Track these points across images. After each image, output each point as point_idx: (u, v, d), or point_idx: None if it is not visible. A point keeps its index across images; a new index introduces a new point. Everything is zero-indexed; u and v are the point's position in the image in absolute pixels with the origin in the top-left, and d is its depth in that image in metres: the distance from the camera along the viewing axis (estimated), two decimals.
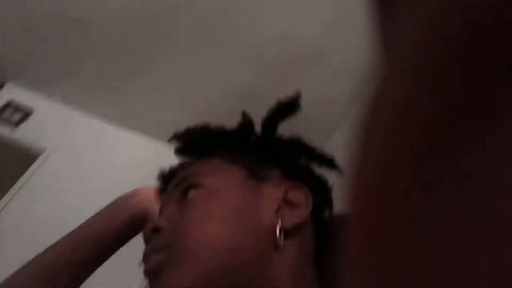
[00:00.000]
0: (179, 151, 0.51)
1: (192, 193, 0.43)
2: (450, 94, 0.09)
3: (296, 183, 0.44)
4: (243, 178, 0.44)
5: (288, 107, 0.48)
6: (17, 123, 2.62)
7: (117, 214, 0.55)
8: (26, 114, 2.67)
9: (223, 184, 0.43)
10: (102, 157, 2.77)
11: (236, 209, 0.41)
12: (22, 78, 2.67)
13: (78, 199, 2.57)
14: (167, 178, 0.51)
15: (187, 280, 0.36)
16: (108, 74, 2.50)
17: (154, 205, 0.55)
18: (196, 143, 0.51)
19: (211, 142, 0.50)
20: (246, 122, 0.50)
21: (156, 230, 0.41)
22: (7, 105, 2.64)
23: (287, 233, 0.40)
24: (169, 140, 0.51)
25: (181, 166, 0.49)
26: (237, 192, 0.42)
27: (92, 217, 0.56)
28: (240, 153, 0.48)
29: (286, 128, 0.50)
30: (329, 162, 0.49)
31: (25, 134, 2.61)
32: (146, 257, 0.40)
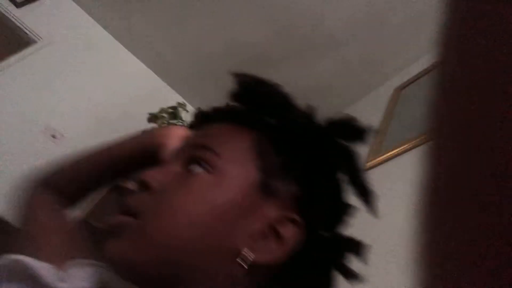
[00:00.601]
0: (234, 94, 0.44)
1: (197, 169, 0.39)
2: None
3: (296, 218, 0.38)
4: (253, 183, 0.39)
5: (356, 132, 0.41)
6: (21, 3, 2.50)
7: (136, 142, 0.54)
8: None
9: (230, 176, 0.38)
10: (95, 66, 2.71)
11: (224, 214, 0.37)
12: None
13: (56, 98, 2.52)
14: (198, 120, 0.47)
15: (136, 258, 0.35)
16: None
17: (172, 143, 0.50)
18: (254, 96, 0.43)
19: (269, 107, 0.42)
20: (311, 113, 0.43)
21: (144, 186, 0.38)
22: None
23: (251, 267, 0.36)
24: (235, 75, 0.44)
25: (214, 119, 0.44)
26: (237, 194, 0.38)
27: (123, 138, 0.56)
28: (275, 146, 0.41)
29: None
30: (366, 196, 0.41)
31: (26, 16, 2.50)
32: (118, 209, 0.38)
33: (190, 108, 2.69)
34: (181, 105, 2.62)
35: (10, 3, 2.45)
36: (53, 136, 2.45)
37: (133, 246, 0.35)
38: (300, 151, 0.41)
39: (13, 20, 2.46)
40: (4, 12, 2.44)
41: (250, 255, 0.36)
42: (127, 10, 2.54)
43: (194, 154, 0.40)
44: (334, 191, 0.41)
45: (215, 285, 0.36)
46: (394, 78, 2.01)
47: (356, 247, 0.41)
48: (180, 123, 2.52)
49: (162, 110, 2.54)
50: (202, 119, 0.47)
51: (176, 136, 0.51)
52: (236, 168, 0.39)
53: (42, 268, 0.40)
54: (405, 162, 1.43)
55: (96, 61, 2.73)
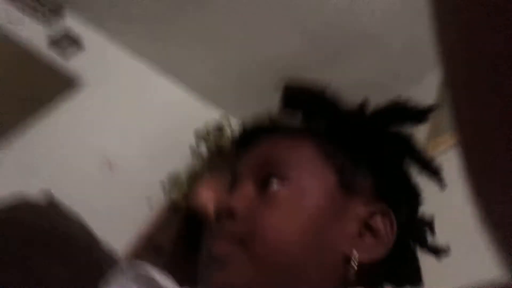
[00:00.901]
0: (284, 102, 0.45)
1: (275, 187, 0.38)
2: None
3: (384, 208, 0.38)
4: (333, 185, 0.38)
5: (416, 113, 0.41)
6: (69, 54, 2.68)
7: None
8: (78, 46, 2.73)
9: (310, 185, 0.38)
10: (139, 102, 2.83)
11: (318, 221, 0.37)
12: (78, 7, 2.71)
13: (109, 133, 2.66)
14: (245, 139, 0.47)
15: (248, 279, 0.35)
16: (157, 15, 2.50)
17: (207, 208, 0.52)
18: (303, 103, 0.43)
19: (318, 110, 0.42)
20: (363, 105, 0.42)
21: (230, 214, 0.38)
22: (65, 35, 2.70)
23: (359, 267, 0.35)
24: (279, 87, 0.44)
25: (265, 134, 0.44)
26: (322, 200, 0.37)
27: None
28: (337, 145, 0.41)
29: None
30: (431, 169, 0.40)
31: (73, 64, 2.68)
32: (215, 241, 0.38)
33: (233, 123, 2.72)
34: (225, 122, 2.67)
35: (56, 54, 2.65)
36: (110, 167, 2.59)
37: (244, 274, 0.36)
38: (359, 145, 0.40)
39: (59, 68, 2.65)
40: (50, 60, 2.64)
41: (358, 257, 0.36)
42: (162, 41, 2.64)
43: (266, 172, 0.39)
44: (405, 173, 0.41)
45: None
46: None
47: (431, 221, 0.41)
48: (229, 140, 2.55)
49: (208, 131, 2.60)
50: (248, 136, 0.47)
51: (205, 201, 0.52)
52: (312, 175, 0.39)
53: (166, 280, 0.41)
54: None
55: (139, 92, 2.85)
